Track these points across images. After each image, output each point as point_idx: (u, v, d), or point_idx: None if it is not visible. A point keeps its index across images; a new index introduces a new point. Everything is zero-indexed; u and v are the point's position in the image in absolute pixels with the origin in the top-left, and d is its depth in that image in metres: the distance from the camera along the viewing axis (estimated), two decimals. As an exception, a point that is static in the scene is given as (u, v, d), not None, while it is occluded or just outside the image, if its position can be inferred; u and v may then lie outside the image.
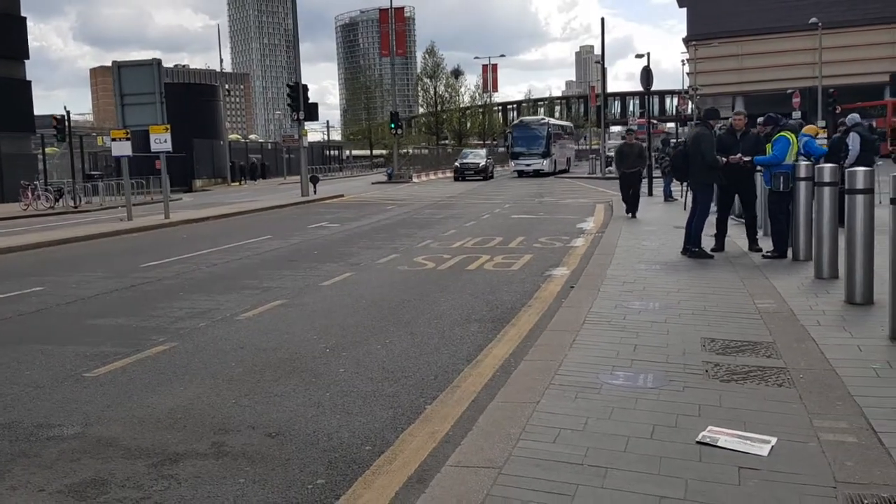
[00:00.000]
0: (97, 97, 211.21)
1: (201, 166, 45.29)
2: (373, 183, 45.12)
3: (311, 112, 31.33)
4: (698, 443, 3.77)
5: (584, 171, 47.76)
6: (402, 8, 57.12)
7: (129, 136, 19.79)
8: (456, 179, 43.74)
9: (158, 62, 19.91)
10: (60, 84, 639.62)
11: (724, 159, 9.94)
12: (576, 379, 4.84)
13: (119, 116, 19.98)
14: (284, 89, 32.28)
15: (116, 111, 20.08)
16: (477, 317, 7.50)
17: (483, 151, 48.37)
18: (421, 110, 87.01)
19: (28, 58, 40.01)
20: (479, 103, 77.44)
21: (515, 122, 55.45)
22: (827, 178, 8.03)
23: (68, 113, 33.59)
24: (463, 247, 13.12)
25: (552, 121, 52.65)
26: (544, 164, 45.35)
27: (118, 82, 19.80)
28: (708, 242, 10.32)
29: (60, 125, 30.06)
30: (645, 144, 23.82)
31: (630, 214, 16.33)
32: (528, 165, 45.41)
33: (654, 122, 57.69)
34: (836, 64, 43.61)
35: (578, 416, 4.18)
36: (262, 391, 5.30)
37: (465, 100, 76.64)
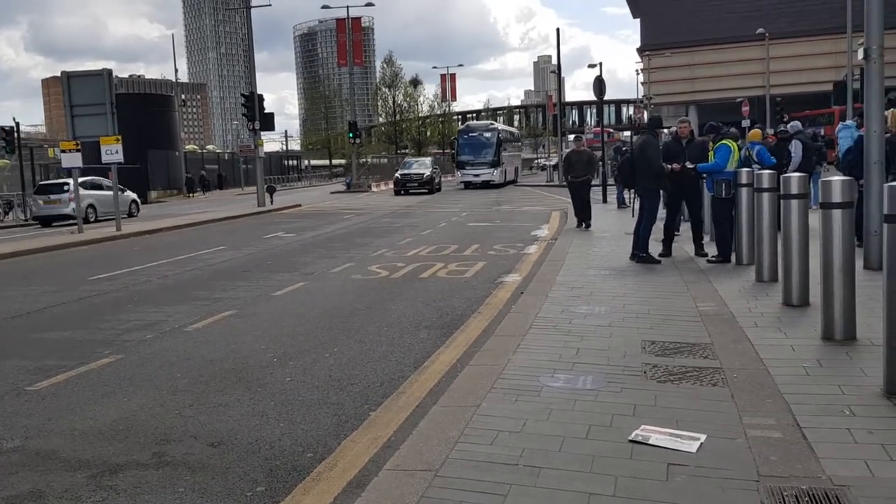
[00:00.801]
0: (50, 108, 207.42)
1: (156, 177, 44.71)
2: (331, 192, 44.99)
3: (267, 122, 31.19)
4: (631, 441, 3.87)
5: (542, 180, 48.19)
6: (360, 18, 57.21)
7: (79, 147, 19.50)
8: (397, 193, 38.28)
9: (109, 72, 19.66)
10: (12, 95, 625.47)
11: (670, 166, 10.18)
12: (517, 382, 4.93)
13: (69, 127, 19.67)
14: (242, 99, 32.05)
15: (66, 122, 19.77)
16: (427, 324, 7.56)
17: (428, 160, 43.82)
18: (380, 119, 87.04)
19: (-25, 68, 39.13)
20: (438, 112, 77.69)
21: (461, 127, 50.25)
22: (765, 185, 8.27)
23: (17, 124, 32.92)
24: (418, 255, 13.18)
25: (501, 126, 48.81)
26: (494, 175, 41.35)
27: (68, 93, 19.51)
28: (656, 248, 10.53)
29: (9, 137, 29.47)
30: (600, 153, 24.21)
31: (583, 226, 15.43)
32: (475, 176, 41.32)
33: (611, 130, 58.53)
34: (784, 73, 44.76)
35: (517, 418, 4.26)
36: (206, 402, 5.29)
37: (424, 109, 76.91)
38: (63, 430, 4.81)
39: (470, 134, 43.41)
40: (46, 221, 26.03)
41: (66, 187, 25.00)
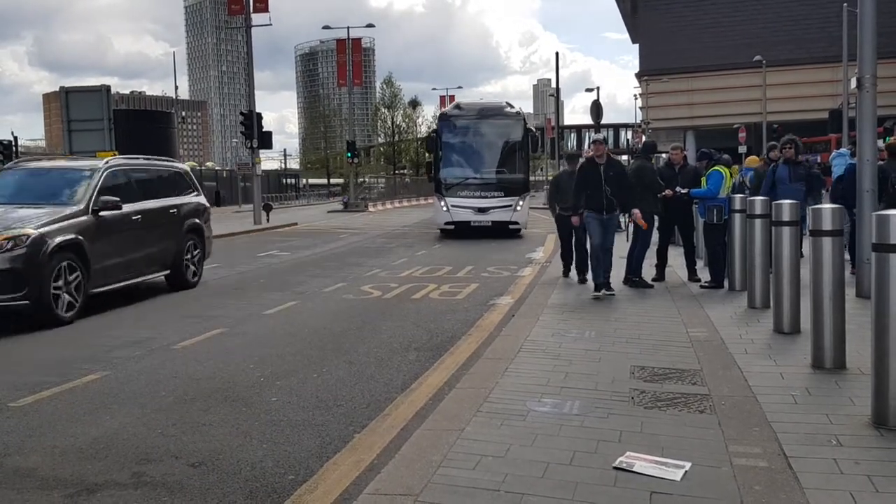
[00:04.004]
0: (50, 123, 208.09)
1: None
2: (328, 211, 45.01)
3: (266, 140, 31.26)
4: (615, 468, 3.83)
5: (540, 202, 48.27)
6: (360, 39, 57.67)
7: (75, 162, 19.41)
8: None
9: (107, 88, 19.72)
10: (14, 109, 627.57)
11: (662, 193, 10.19)
12: (504, 406, 4.89)
13: (66, 142, 19.69)
14: (241, 117, 32.17)
15: (64, 137, 19.80)
16: (416, 345, 7.51)
17: (86, 179, 9.96)
18: (379, 140, 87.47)
19: (-24, 82, 39.38)
20: (437, 134, 77.89)
21: (449, 107, 25.34)
22: (758, 211, 8.27)
23: (15, 138, 33.00)
24: (411, 276, 13.14)
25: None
26: (519, 210, 20.65)
27: (66, 108, 19.53)
28: (650, 272, 10.51)
29: (7, 150, 29.49)
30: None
31: (567, 273, 11.34)
32: (479, 210, 20.51)
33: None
34: (781, 101, 44.95)
35: (501, 443, 4.22)
36: (190, 421, 5.24)
37: (423, 130, 77.27)
38: (43, 448, 4.75)
39: (462, 121, 21.62)
40: None
41: None
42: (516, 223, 20.62)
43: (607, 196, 9.38)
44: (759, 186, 10.78)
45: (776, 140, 13.05)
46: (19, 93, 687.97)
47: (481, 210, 20.50)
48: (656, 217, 10.67)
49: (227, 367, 6.77)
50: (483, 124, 21.47)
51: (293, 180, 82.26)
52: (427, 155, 28.06)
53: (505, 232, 20.37)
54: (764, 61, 42.37)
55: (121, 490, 4.06)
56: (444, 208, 20.94)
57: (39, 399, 5.83)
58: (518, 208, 20.54)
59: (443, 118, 22.28)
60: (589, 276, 10.23)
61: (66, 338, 8.25)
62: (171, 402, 5.72)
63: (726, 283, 9.67)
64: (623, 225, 18.65)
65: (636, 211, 9.65)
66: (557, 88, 47.43)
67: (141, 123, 43.94)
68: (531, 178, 26.01)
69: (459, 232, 20.74)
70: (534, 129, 21.75)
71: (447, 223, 21.02)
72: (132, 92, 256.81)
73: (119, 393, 5.99)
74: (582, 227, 9.99)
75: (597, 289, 9.49)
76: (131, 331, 8.55)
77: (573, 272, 11.19)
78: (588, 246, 10.13)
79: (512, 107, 21.78)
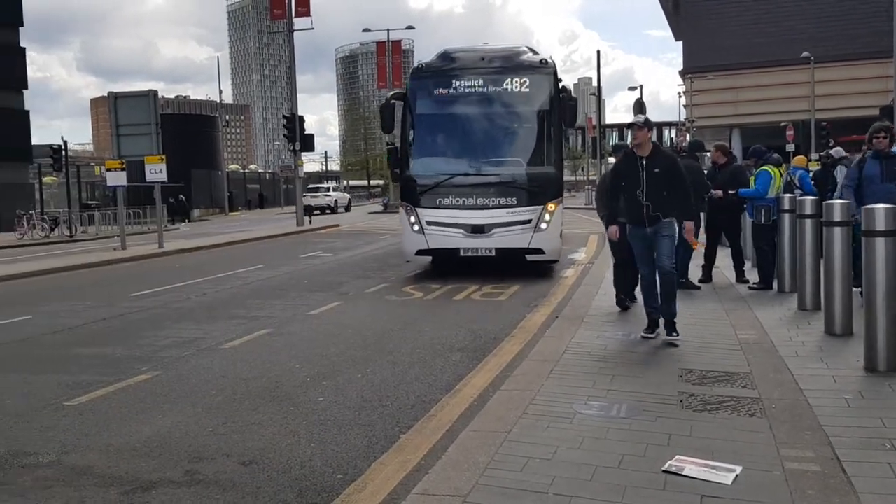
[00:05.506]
0: (97, 127, 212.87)
1: (199, 196, 45.53)
2: (369, 213, 45.29)
3: (308, 143, 31.59)
4: (664, 472, 3.80)
5: (581, 202, 47.96)
6: (400, 41, 57.90)
7: (124, 166, 19.93)
8: None
9: (154, 93, 20.11)
10: (62, 114, 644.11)
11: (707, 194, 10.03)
12: (550, 409, 4.87)
13: (115, 146, 20.15)
14: (283, 120, 32.58)
15: (112, 141, 20.26)
16: (459, 346, 7.53)
17: None
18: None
19: (27, 87, 40.70)
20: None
21: (430, 58, 13.28)
22: (808, 211, 8.12)
23: (65, 143, 33.84)
24: (452, 276, 13.12)
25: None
26: (544, 226, 11.93)
27: (114, 113, 19.99)
28: (696, 273, 10.37)
29: (57, 154, 30.27)
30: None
31: (625, 302, 8.61)
32: (475, 230, 11.92)
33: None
34: (829, 97, 43.99)
35: (549, 445, 4.21)
36: (240, 420, 5.33)
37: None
38: (98, 446, 4.88)
39: (451, 81, 12.52)
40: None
41: (322, 189, 49.29)
42: (540, 250, 12.27)
43: (650, 202, 6.97)
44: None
45: (827, 139, 12.66)
46: (67, 98, 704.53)
47: (477, 229, 12.07)
48: (703, 217, 10.51)
49: (274, 367, 6.87)
50: (485, 83, 12.55)
51: (334, 182, 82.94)
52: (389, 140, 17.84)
53: (520, 263, 12.58)
54: (812, 58, 41.51)
55: (175, 488, 4.15)
56: (415, 227, 12.47)
57: (93, 398, 5.99)
58: (543, 224, 12.08)
59: (417, 75, 13.04)
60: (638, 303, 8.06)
61: (116, 338, 8.45)
62: (220, 401, 5.82)
63: (775, 285, 9.50)
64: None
65: (688, 225, 7.16)
66: (599, 87, 47.07)
67: (187, 127, 44.78)
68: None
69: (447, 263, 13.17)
70: (570, 91, 13.00)
71: (420, 251, 12.68)
72: (177, 96, 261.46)
73: (170, 392, 6.12)
74: (626, 245, 7.55)
75: (649, 328, 7.06)
76: (179, 331, 8.72)
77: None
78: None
79: (535, 53, 13.38)
